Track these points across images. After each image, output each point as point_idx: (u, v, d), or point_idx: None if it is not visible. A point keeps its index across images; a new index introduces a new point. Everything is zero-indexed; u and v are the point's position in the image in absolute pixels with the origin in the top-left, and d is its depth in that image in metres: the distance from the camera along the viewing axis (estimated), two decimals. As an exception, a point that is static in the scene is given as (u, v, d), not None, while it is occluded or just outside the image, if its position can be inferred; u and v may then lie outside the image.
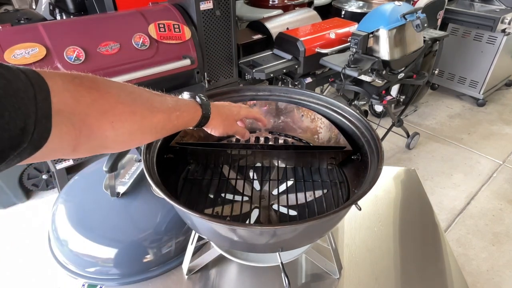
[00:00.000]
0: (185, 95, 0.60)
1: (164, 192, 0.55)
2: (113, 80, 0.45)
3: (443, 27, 2.95)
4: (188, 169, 0.79)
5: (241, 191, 0.77)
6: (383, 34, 1.89)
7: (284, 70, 2.07)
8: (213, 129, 0.63)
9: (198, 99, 0.59)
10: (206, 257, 0.80)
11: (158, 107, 0.50)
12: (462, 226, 2.02)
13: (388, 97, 2.10)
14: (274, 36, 2.29)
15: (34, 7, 2.93)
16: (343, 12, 2.85)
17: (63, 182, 1.79)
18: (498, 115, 3.08)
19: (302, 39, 2.06)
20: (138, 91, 0.49)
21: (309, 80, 2.21)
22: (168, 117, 0.51)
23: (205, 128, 0.62)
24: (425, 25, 1.85)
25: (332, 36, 2.18)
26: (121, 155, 0.81)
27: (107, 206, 0.85)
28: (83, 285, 0.79)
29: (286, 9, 2.94)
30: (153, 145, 0.67)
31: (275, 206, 0.74)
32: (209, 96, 0.80)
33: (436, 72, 2.53)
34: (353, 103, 2.54)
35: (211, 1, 1.84)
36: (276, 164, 0.82)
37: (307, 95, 0.82)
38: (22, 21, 2.09)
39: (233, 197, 0.76)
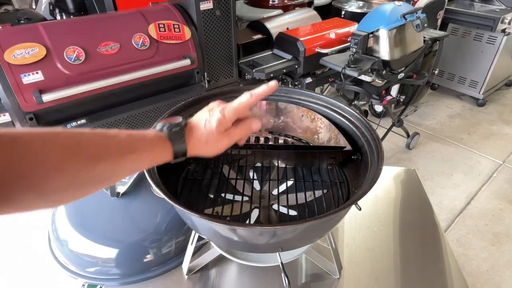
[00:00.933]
0: (158, 126, 0.51)
1: (164, 192, 0.55)
2: (42, 130, 0.38)
3: (443, 27, 2.95)
4: (188, 169, 0.79)
5: (241, 191, 0.77)
6: (383, 34, 1.89)
7: (284, 70, 2.07)
8: (201, 155, 0.53)
9: (165, 131, 0.50)
10: (206, 257, 0.80)
11: (101, 154, 0.42)
12: (462, 226, 2.02)
13: (388, 97, 2.10)
14: (274, 36, 2.29)
15: (34, 7, 2.93)
16: (343, 12, 2.85)
17: (63, 182, 1.79)
18: (498, 115, 3.08)
19: (302, 39, 2.06)
20: (75, 139, 0.41)
21: (309, 80, 2.21)
22: (116, 163, 0.43)
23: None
24: (425, 25, 1.85)
25: (332, 36, 2.18)
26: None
27: (107, 206, 0.85)
28: (83, 285, 0.79)
29: (286, 9, 2.94)
30: (153, 145, 0.67)
31: (275, 206, 0.74)
32: (209, 96, 0.80)
33: (436, 72, 2.54)
34: (353, 103, 2.54)
35: (211, 1, 1.84)
36: (276, 164, 0.82)
37: (307, 95, 0.82)
38: (22, 21, 2.09)
39: (233, 197, 0.76)
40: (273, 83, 0.55)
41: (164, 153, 0.49)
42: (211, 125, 0.52)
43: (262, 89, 0.55)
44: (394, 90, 2.67)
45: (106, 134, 0.44)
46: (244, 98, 0.54)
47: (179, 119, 0.52)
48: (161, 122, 0.51)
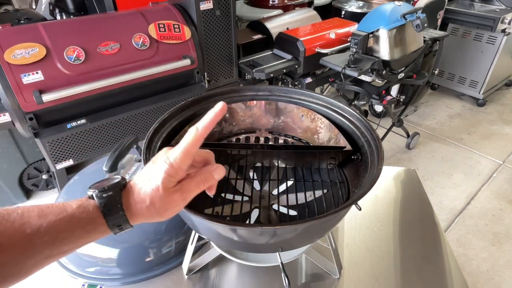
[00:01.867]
0: (88, 191, 0.40)
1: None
2: None
3: (443, 27, 2.95)
4: (188, 169, 0.79)
5: (241, 191, 0.77)
6: (383, 34, 1.89)
7: (284, 70, 2.07)
8: (152, 221, 0.43)
9: (95, 198, 0.39)
10: (206, 257, 0.80)
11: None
12: (462, 226, 2.02)
13: (388, 97, 2.10)
14: (274, 36, 2.29)
15: (34, 7, 2.93)
16: (343, 12, 2.85)
17: (63, 182, 1.79)
18: (498, 115, 3.08)
19: (302, 39, 2.06)
20: None
21: (309, 80, 2.21)
22: (23, 251, 0.35)
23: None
24: (425, 25, 1.85)
25: (332, 36, 2.18)
26: (121, 155, 0.81)
27: (107, 206, 0.85)
28: (83, 285, 0.79)
29: (286, 9, 2.95)
30: (153, 145, 0.67)
31: (275, 206, 0.74)
32: (208, 96, 0.80)
33: (436, 72, 2.54)
34: (353, 103, 2.54)
35: (211, 1, 1.84)
36: (276, 164, 0.82)
37: (307, 95, 0.82)
38: (22, 21, 2.09)
39: (233, 197, 0.76)
40: (219, 106, 0.43)
41: (95, 228, 0.39)
42: (156, 181, 0.40)
43: (209, 118, 0.43)
44: (394, 90, 2.67)
45: (7, 215, 0.35)
46: (191, 135, 0.42)
47: (114, 179, 0.42)
48: (93, 187, 0.40)
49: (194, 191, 0.43)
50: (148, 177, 0.41)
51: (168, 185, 0.41)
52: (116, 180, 0.41)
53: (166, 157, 0.41)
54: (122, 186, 0.41)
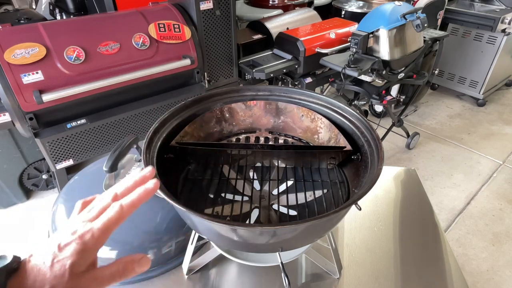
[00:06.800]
0: None
1: (164, 192, 0.55)
2: None
3: (443, 27, 2.96)
4: (188, 169, 0.79)
5: (241, 191, 0.77)
6: (383, 34, 1.89)
7: (284, 70, 2.07)
8: None
9: None
10: (206, 257, 0.80)
11: None
12: (462, 226, 2.02)
13: (388, 97, 2.10)
14: (274, 36, 2.29)
15: (34, 7, 2.93)
16: (343, 12, 2.85)
17: (63, 182, 1.79)
18: (498, 115, 3.08)
19: (302, 39, 2.06)
20: None
21: (309, 80, 2.21)
22: None
23: None
24: (425, 25, 1.85)
25: (332, 36, 2.18)
26: (121, 155, 0.81)
27: (107, 206, 0.85)
28: (83, 285, 0.79)
29: (286, 9, 2.95)
30: (153, 145, 0.67)
31: (275, 206, 0.74)
32: (208, 96, 0.80)
33: (436, 72, 2.54)
34: (353, 103, 2.54)
35: (211, 1, 1.84)
36: (276, 164, 0.82)
37: (307, 95, 0.82)
38: (22, 21, 2.08)
39: (233, 197, 0.76)
40: (151, 184, 0.38)
41: None
42: (62, 263, 0.32)
43: (137, 194, 0.38)
44: (394, 90, 2.67)
45: None
46: (114, 212, 0.36)
47: (5, 260, 0.32)
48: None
49: (107, 282, 0.35)
50: (51, 256, 0.32)
51: (77, 270, 0.32)
52: (5, 263, 0.31)
53: (79, 233, 0.33)
54: (12, 270, 0.32)
